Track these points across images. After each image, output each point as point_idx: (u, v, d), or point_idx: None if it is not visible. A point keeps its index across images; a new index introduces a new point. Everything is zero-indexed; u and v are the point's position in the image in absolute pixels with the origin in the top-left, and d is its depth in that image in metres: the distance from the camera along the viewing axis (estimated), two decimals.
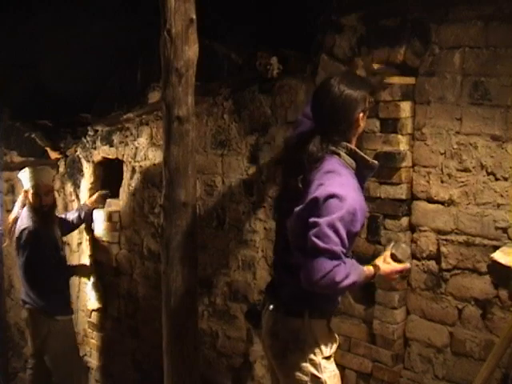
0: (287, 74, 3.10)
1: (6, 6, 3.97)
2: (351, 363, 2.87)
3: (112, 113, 4.25)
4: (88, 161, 4.50)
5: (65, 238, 4.79)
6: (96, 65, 4.09)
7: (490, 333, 2.48)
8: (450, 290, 2.59)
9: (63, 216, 4.25)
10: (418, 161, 2.65)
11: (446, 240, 2.59)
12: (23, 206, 3.95)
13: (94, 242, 4.43)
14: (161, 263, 2.68)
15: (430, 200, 2.62)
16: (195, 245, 2.60)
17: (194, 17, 2.43)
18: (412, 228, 2.69)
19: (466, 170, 2.51)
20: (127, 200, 4.17)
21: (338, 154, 2.12)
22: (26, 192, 3.91)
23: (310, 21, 2.94)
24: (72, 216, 4.24)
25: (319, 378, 2.18)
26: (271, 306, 2.29)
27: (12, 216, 4.02)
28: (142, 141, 3.99)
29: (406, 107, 2.61)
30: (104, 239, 4.33)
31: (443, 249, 2.59)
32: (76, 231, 4.68)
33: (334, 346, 2.28)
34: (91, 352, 4.64)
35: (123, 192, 4.20)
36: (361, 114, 2.13)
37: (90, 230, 4.41)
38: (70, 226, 4.24)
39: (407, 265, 2.29)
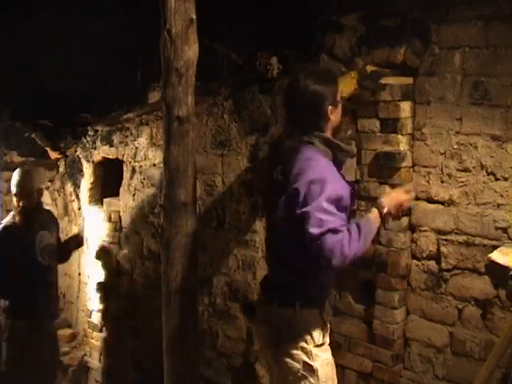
0: (287, 73, 3.09)
1: (6, 5, 3.96)
2: (351, 363, 2.87)
3: (112, 113, 4.25)
4: (88, 161, 4.50)
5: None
6: (96, 65, 4.09)
7: (490, 333, 2.47)
8: (450, 290, 2.59)
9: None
10: (418, 161, 2.65)
11: (445, 240, 2.58)
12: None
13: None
14: (161, 263, 2.68)
15: (430, 200, 2.62)
16: (195, 245, 2.60)
17: (194, 17, 2.43)
18: (412, 228, 2.69)
19: (465, 170, 2.51)
20: (127, 200, 4.16)
21: (313, 144, 2.19)
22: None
23: (310, 21, 2.94)
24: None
25: (311, 365, 2.22)
26: (265, 297, 2.35)
27: None
28: (142, 141, 3.99)
29: (405, 107, 2.61)
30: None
31: (443, 249, 2.59)
32: (76, 231, 4.68)
33: (327, 335, 2.32)
34: (91, 352, 4.64)
35: (123, 192, 4.20)
36: (329, 107, 2.20)
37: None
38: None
39: (408, 187, 2.35)
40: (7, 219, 3.80)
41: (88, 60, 4.13)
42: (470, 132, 2.48)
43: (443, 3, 2.49)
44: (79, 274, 4.71)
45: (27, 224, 3.72)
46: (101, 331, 4.52)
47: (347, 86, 2.61)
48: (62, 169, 4.77)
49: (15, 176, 3.76)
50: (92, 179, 4.52)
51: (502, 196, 2.42)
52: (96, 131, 4.40)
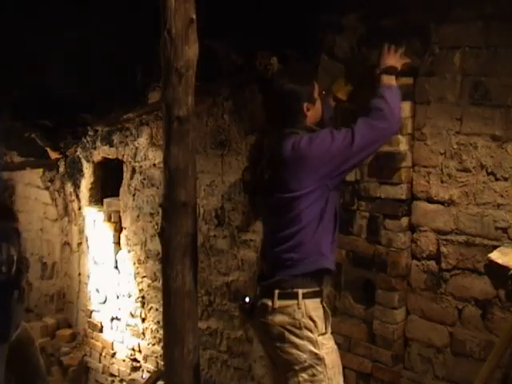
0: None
1: (5, 5, 3.96)
2: (351, 363, 2.87)
3: (112, 113, 4.25)
4: (88, 161, 4.50)
5: (64, 239, 4.81)
6: (96, 65, 4.08)
7: (490, 333, 2.47)
8: (450, 290, 2.59)
9: None
10: (418, 161, 2.65)
11: (445, 240, 2.58)
12: None
13: None
14: (161, 263, 2.68)
15: (430, 200, 2.62)
16: (195, 245, 2.60)
17: (194, 17, 2.42)
18: (412, 228, 2.69)
19: (465, 170, 2.51)
20: (127, 200, 4.16)
21: (297, 133, 2.29)
22: None
23: (310, 21, 2.94)
24: None
25: (317, 353, 2.26)
26: (264, 292, 2.36)
27: None
28: (142, 141, 3.99)
29: (405, 107, 2.61)
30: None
31: (443, 249, 2.59)
32: (76, 231, 4.69)
33: (329, 322, 2.35)
34: (91, 352, 4.64)
35: (123, 192, 4.20)
36: (305, 104, 2.30)
37: None
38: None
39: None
40: None
41: (88, 60, 4.13)
42: (470, 132, 2.48)
43: (443, 3, 2.48)
44: (79, 274, 4.71)
45: None
46: (101, 331, 4.53)
47: (341, 88, 2.64)
48: (62, 169, 4.78)
49: None
50: (92, 179, 4.52)
51: (501, 196, 2.42)
52: (96, 131, 4.40)
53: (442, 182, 2.58)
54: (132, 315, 4.26)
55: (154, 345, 4.13)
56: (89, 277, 4.59)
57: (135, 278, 4.19)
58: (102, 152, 4.36)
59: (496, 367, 2.29)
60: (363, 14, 2.73)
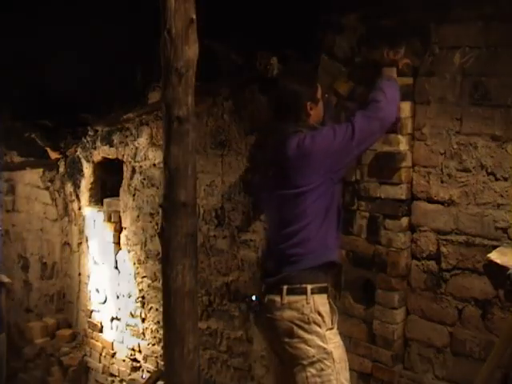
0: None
1: (6, 5, 3.96)
2: (351, 363, 2.84)
3: (112, 113, 4.25)
4: (88, 161, 4.50)
5: (64, 239, 4.81)
6: (96, 65, 4.08)
7: (490, 333, 2.47)
8: (449, 290, 2.59)
9: None
10: (418, 161, 2.65)
11: (445, 240, 2.58)
12: None
13: None
14: (161, 263, 2.68)
15: (430, 200, 2.62)
16: (195, 245, 2.60)
17: (194, 17, 2.42)
18: (412, 228, 2.69)
19: (465, 170, 2.51)
20: (127, 200, 4.16)
21: (301, 131, 2.36)
22: None
23: (309, 21, 2.94)
24: None
25: (325, 348, 2.31)
26: (272, 290, 2.39)
27: None
28: (142, 141, 3.99)
29: (405, 107, 2.61)
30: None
31: (443, 249, 2.59)
32: (76, 231, 4.69)
33: (335, 318, 2.40)
34: (91, 352, 4.64)
35: (123, 192, 4.20)
36: (308, 103, 2.39)
37: None
38: None
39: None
40: None
41: (88, 60, 4.13)
42: (470, 132, 2.48)
43: (443, 3, 2.48)
44: (79, 274, 4.71)
45: None
46: (101, 331, 4.53)
47: (342, 84, 2.66)
48: (62, 169, 4.77)
49: None
50: (92, 179, 4.52)
51: (501, 196, 2.42)
52: (96, 131, 4.40)
53: (442, 182, 2.58)
54: (132, 315, 4.26)
55: (154, 345, 4.13)
56: (89, 277, 4.59)
57: (135, 278, 4.19)
58: (102, 152, 4.36)
59: (496, 367, 2.29)
60: (363, 14, 2.72)
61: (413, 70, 2.60)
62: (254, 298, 2.45)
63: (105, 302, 4.47)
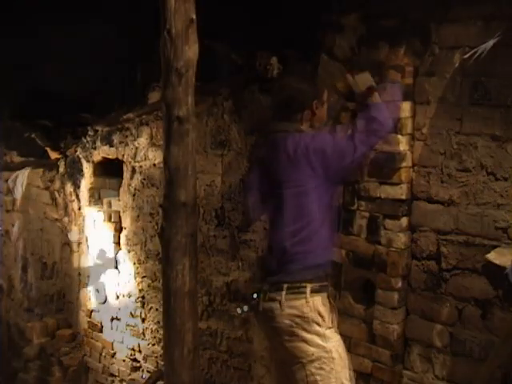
0: (287, 73, 3.09)
1: (5, 5, 3.96)
2: (351, 363, 2.86)
3: (112, 113, 4.25)
4: (88, 161, 4.50)
5: (64, 239, 4.81)
6: (96, 65, 4.08)
7: (490, 333, 2.47)
8: (450, 290, 2.59)
9: None
10: (418, 161, 2.65)
11: (445, 240, 2.58)
12: None
13: None
14: (161, 263, 2.68)
15: (430, 200, 2.62)
16: (195, 245, 2.60)
17: (194, 17, 2.42)
18: (412, 228, 2.69)
19: (466, 170, 2.51)
20: (127, 200, 4.16)
21: (302, 131, 2.40)
22: None
23: (309, 21, 2.94)
24: None
25: (325, 347, 2.32)
26: (273, 289, 2.40)
27: None
28: (142, 141, 3.98)
29: (405, 107, 2.61)
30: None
31: (443, 249, 2.59)
32: (76, 231, 4.68)
33: (335, 316, 2.43)
34: (91, 352, 4.64)
35: (123, 192, 4.20)
36: (315, 102, 2.42)
37: None
38: None
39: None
40: None
41: (88, 60, 4.13)
42: (470, 132, 2.48)
43: (443, 3, 2.48)
44: (79, 274, 4.71)
45: None
46: (101, 331, 4.53)
47: (343, 82, 2.67)
48: (62, 169, 4.77)
49: None
50: (92, 179, 4.51)
51: (501, 196, 2.42)
52: (96, 131, 4.40)
53: (442, 182, 2.58)
54: (132, 315, 4.26)
55: (154, 345, 4.13)
56: (89, 277, 4.59)
57: (135, 278, 4.18)
58: (102, 152, 4.35)
59: (496, 367, 2.29)
60: (363, 14, 2.73)
61: (413, 70, 2.60)
62: (255, 295, 2.45)
63: (105, 301, 4.47)
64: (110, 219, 4.33)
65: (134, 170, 4.07)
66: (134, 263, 4.17)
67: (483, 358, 2.43)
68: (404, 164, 2.64)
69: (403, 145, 2.63)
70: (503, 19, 2.34)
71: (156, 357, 4.11)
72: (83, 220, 4.60)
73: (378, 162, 2.69)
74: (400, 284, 2.69)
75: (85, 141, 4.49)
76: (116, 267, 4.34)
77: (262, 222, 3.27)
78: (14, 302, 5.18)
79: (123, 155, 4.15)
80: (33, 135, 4.74)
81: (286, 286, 2.34)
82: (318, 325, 2.33)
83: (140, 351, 4.24)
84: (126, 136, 4.10)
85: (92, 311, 4.59)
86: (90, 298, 4.56)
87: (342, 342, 2.41)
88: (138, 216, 4.09)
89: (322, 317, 2.34)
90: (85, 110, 4.50)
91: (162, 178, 2.62)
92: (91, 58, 4.08)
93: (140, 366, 4.27)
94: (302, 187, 2.34)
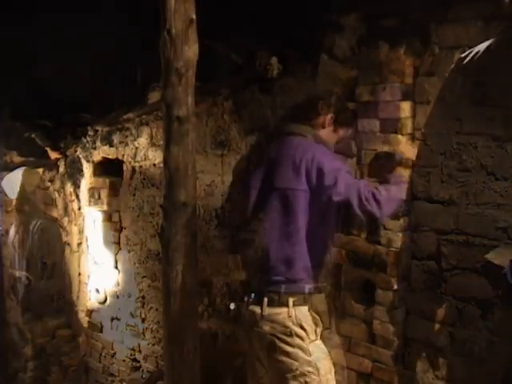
0: (287, 73, 3.09)
1: (5, 5, 3.96)
2: (351, 363, 2.87)
3: (112, 113, 4.25)
4: (88, 161, 4.50)
5: (64, 239, 4.81)
6: (96, 65, 4.08)
7: (490, 333, 2.47)
8: (449, 290, 2.59)
9: None
10: (418, 161, 2.65)
11: (445, 240, 2.58)
12: None
13: None
14: (161, 263, 2.68)
15: (430, 200, 2.62)
16: (195, 245, 2.60)
17: (194, 17, 2.43)
18: (412, 228, 2.69)
19: (465, 169, 2.51)
20: (127, 200, 4.16)
21: (305, 136, 2.41)
22: None
23: (310, 21, 2.94)
24: None
25: (310, 361, 2.30)
26: (255, 301, 2.39)
27: None
28: (142, 141, 3.99)
29: (405, 107, 2.61)
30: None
31: (443, 249, 2.59)
32: (76, 231, 4.68)
33: (319, 329, 2.39)
34: (91, 352, 4.64)
35: (123, 192, 4.20)
36: (321, 102, 2.49)
37: None
38: None
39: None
40: None
41: (88, 60, 4.13)
42: (470, 132, 2.48)
43: (443, 3, 2.48)
44: (79, 274, 4.71)
45: None
46: (101, 331, 4.53)
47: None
48: (62, 169, 4.77)
49: None
50: (92, 179, 4.51)
51: (502, 196, 2.42)
52: (96, 131, 4.40)
53: (442, 181, 2.58)
54: (132, 315, 4.26)
55: (154, 345, 4.13)
56: (89, 277, 4.59)
57: (135, 278, 4.19)
58: (102, 152, 4.35)
59: (496, 367, 2.29)
60: (363, 14, 2.72)
61: (413, 70, 2.60)
62: (231, 306, 2.45)
63: (105, 301, 4.47)
64: (110, 219, 4.33)
65: (133, 170, 4.07)
66: (134, 263, 4.17)
67: (483, 358, 2.43)
68: (404, 164, 2.64)
69: (403, 145, 2.63)
70: (503, 19, 2.34)
71: (156, 357, 4.11)
72: (83, 220, 4.60)
73: (378, 162, 2.69)
74: (400, 284, 2.69)
75: (85, 141, 4.49)
76: (116, 267, 4.34)
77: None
78: (13, 302, 5.18)
79: (123, 155, 4.15)
80: (33, 135, 4.74)
81: (266, 300, 2.33)
82: (301, 339, 2.30)
83: (140, 351, 4.24)
84: (126, 136, 4.10)
85: (92, 311, 4.59)
86: (89, 297, 4.56)
87: (327, 353, 2.39)
88: (138, 216, 4.09)
89: (304, 331, 2.31)
90: (85, 110, 4.50)
91: (162, 178, 2.62)
92: (91, 58, 4.08)
93: (140, 366, 4.27)
94: (293, 196, 2.34)
